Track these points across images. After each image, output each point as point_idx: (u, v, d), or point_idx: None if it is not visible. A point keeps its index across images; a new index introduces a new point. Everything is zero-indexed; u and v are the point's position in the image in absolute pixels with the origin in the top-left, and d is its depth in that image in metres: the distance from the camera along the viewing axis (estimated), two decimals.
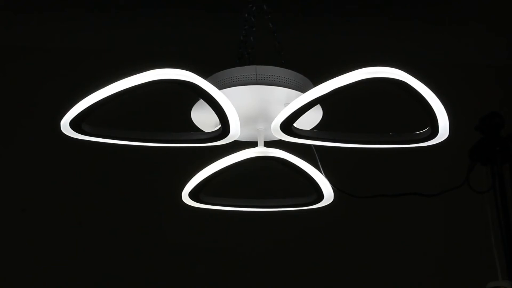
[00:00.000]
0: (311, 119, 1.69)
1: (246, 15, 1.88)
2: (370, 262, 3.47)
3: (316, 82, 1.50)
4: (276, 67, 1.63)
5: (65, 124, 1.48)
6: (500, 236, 2.48)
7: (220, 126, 1.55)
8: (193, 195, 1.79)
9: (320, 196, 1.79)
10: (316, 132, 1.60)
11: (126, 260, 3.34)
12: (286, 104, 1.51)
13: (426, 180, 3.26)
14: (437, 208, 3.38)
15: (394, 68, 1.41)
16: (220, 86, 1.58)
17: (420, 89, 1.42)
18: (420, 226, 3.52)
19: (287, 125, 1.52)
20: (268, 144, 1.69)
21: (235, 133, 1.56)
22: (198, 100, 1.61)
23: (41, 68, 3.52)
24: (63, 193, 3.39)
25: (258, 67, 1.61)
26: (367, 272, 3.45)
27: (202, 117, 1.69)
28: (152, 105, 3.12)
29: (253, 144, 1.70)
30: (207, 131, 1.67)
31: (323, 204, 1.85)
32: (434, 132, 1.51)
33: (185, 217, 2.90)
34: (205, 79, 1.47)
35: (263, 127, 1.66)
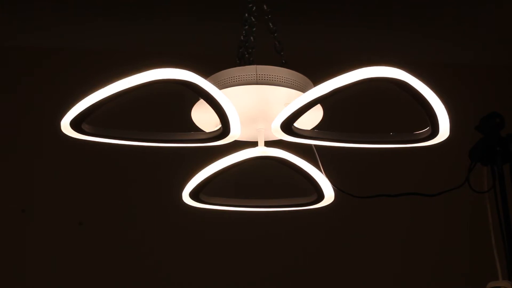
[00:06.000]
0: (311, 119, 1.69)
1: (246, 15, 1.87)
2: (370, 262, 3.47)
3: (316, 82, 1.50)
4: (276, 67, 1.63)
5: (65, 124, 1.48)
6: (500, 236, 2.48)
7: (220, 126, 1.55)
8: (193, 195, 1.78)
9: (320, 196, 1.79)
10: (316, 132, 1.59)
11: (126, 259, 3.34)
12: (287, 104, 1.51)
13: (426, 180, 3.26)
14: (437, 208, 3.37)
15: (394, 68, 1.41)
16: (221, 86, 1.58)
17: (421, 88, 1.41)
18: (420, 226, 3.53)
19: (288, 125, 1.51)
20: (269, 144, 1.69)
21: (236, 133, 1.55)
22: (198, 100, 1.61)
23: (41, 68, 3.52)
24: (63, 193, 3.39)
25: (259, 67, 1.61)
26: (367, 272, 3.45)
27: (202, 117, 1.69)
28: (152, 105, 3.11)
29: (254, 144, 1.70)
30: (207, 131, 1.67)
31: (324, 204, 1.84)
32: (434, 132, 1.50)
33: (185, 217, 2.90)
34: (205, 79, 1.47)
35: (264, 127, 1.66)
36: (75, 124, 1.48)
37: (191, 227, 3.32)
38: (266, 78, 1.60)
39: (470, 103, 3.41)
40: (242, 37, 1.85)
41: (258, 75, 1.60)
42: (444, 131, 1.50)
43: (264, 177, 2.77)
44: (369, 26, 3.47)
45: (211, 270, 3.36)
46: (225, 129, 1.54)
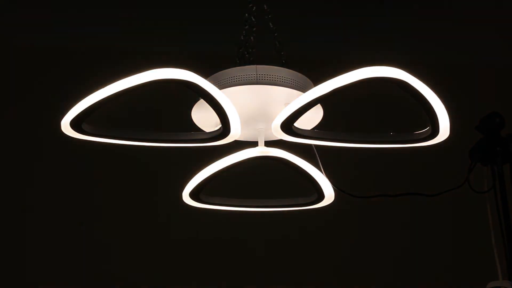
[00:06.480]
0: (311, 119, 1.69)
1: (246, 15, 1.88)
2: (370, 262, 3.47)
3: (316, 82, 1.50)
4: (276, 67, 1.63)
5: (65, 124, 1.48)
6: (500, 236, 2.48)
7: (220, 126, 1.55)
8: (193, 195, 1.79)
9: (320, 196, 1.79)
10: (316, 132, 1.60)
11: (126, 259, 3.34)
12: (287, 103, 1.51)
13: (426, 180, 3.26)
14: (437, 208, 3.37)
15: (394, 68, 1.41)
16: (221, 86, 1.59)
17: (421, 88, 1.42)
18: (420, 226, 3.52)
19: (288, 125, 1.52)
20: (269, 143, 1.69)
21: (236, 133, 1.56)
22: (198, 100, 1.61)
23: (41, 67, 3.52)
24: (63, 193, 3.39)
25: (259, 66, 1.61)
26: (367, 272, 3.45)
27: (203, 117, 1.69)
28: (152, 105, 3.12)
29: (254, 144, 1.70)
30: (207, 131, 1.67)
31: (324, 204, 1.85)
32: (434, 131, 1.51)
33: (185, 217, 2.90)
34: (205, 79, 1.47)
35: (264, 126, 1.66)
36: (75, 124, 1.48)
37: (191, 226, 3.32)
38: (266, 78, 1.60)
39: (470, 103, 3.41)
40: (242, 37, 1.86)
41: (258, 75, 1.60)
42: (444, 131, 1.50)
43: (264, 177, 2.77)
44: (369, 26, 3.47)
45: (211, 270, 3.36)
46: (225, 129, 1.54)
